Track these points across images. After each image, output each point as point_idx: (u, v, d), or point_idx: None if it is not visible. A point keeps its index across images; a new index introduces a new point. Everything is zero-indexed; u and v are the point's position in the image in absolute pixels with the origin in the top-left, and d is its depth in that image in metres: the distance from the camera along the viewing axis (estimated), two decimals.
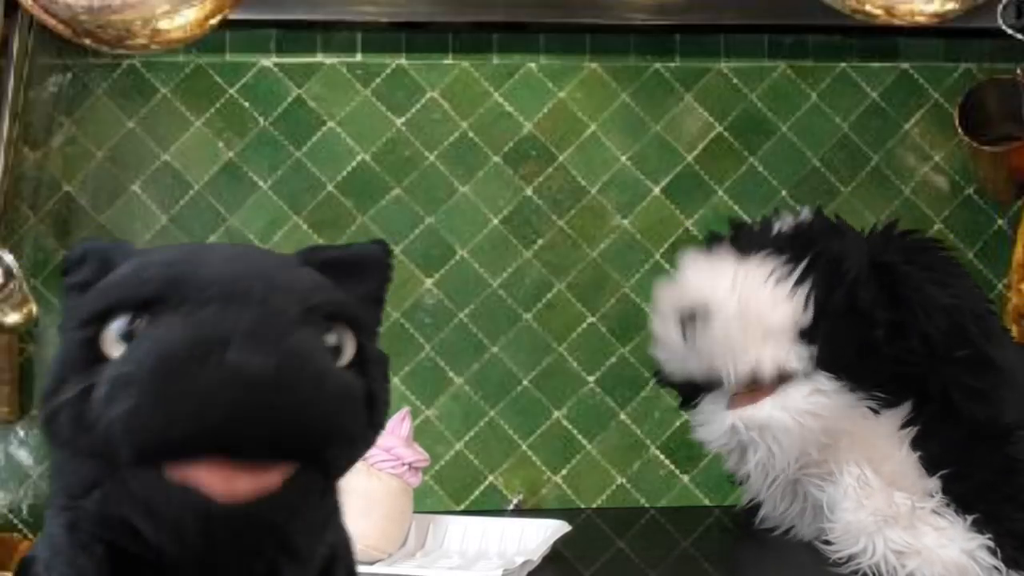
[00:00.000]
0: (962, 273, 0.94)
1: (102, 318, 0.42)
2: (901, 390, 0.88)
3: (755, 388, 0.89)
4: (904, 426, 0.88)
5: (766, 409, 0.88)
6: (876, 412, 0.88)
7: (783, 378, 0.88)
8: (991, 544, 0.82)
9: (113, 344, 0.41)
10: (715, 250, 0.94)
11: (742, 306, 0.88)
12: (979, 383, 0.87)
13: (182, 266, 0.43)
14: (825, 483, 0.89)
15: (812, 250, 0.90)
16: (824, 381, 0.87)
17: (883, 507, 0.83)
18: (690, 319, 0.89)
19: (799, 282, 0.88)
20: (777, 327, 0.88)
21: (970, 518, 0.83)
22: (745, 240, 0.95)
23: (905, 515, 0.83)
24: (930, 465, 0.87)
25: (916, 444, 0.88)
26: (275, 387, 0.39)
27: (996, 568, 0.82)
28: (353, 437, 0.43)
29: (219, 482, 0.39)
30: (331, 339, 0.44)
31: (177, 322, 0.40)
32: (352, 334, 0.45)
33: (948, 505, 0.85)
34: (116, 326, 0.41)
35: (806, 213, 0.95)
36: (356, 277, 0.49)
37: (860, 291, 0.87)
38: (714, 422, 0.94)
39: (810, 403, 0.87)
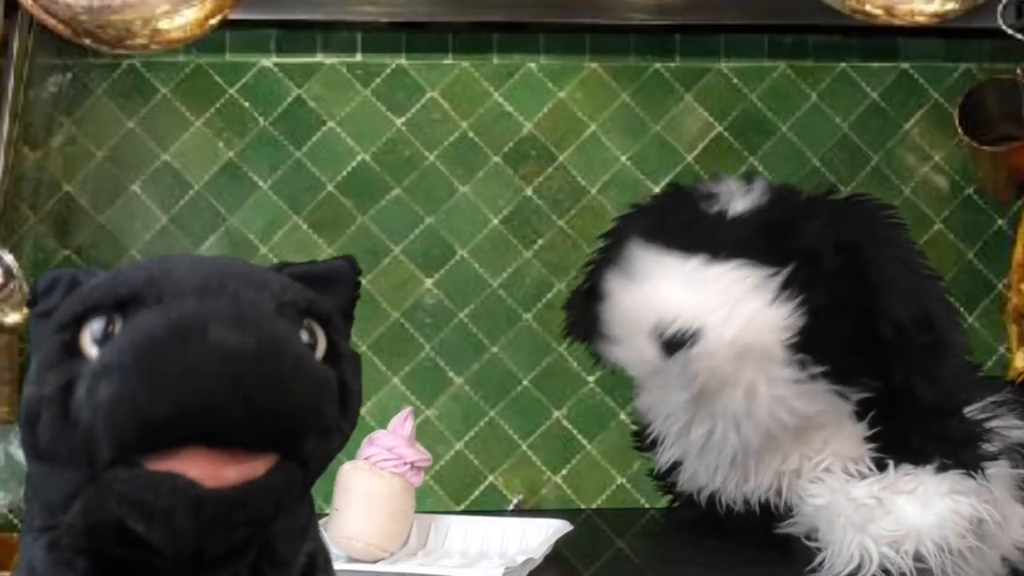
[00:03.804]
0: (918, 249, 0.89)
1: (79, 321, 0.42)
2: (869, 374, 0.86)
3: None
4: (860, 405, 0.87)
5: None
6: (846, 398, 0.86)
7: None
8: (954, 476, 0.82)
9: (91, 346, 0.42)
10: (671, 246, 0.85)
11: (739, 331, 0.80)
12: (941, 369, 0.85)
13: (155, 270, 0.43)
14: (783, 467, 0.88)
15: (785, 243, 0.84)
16: (806, 376, 0.83)
17: (853, 515, 0.82)
18: (678, 339, 0.80)
19: (784, 288, 0.82)
20: (773, 346, 0.81)
21: (931, 467, 0.83)
22: (706, 235, 0.85)
23: (874, 504, 0.82)
24: (872, 439, 0.86)
25: (861, 418, 0.87)
26: (256, 363, 0.39)
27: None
28: (329, 427, 0.43)
29: (204, 469, 0.40)
30: (304, 335, 0.44)
31: (155, 313, 0.41)
32: (324, 331, 0.46)
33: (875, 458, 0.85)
34: (93, 327, 0.42)
35: (757, 185, 0.89)
36: (326, 290, 0.49)
37: (837, 283, 0.83)
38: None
39: (790, 390, 0.83)
